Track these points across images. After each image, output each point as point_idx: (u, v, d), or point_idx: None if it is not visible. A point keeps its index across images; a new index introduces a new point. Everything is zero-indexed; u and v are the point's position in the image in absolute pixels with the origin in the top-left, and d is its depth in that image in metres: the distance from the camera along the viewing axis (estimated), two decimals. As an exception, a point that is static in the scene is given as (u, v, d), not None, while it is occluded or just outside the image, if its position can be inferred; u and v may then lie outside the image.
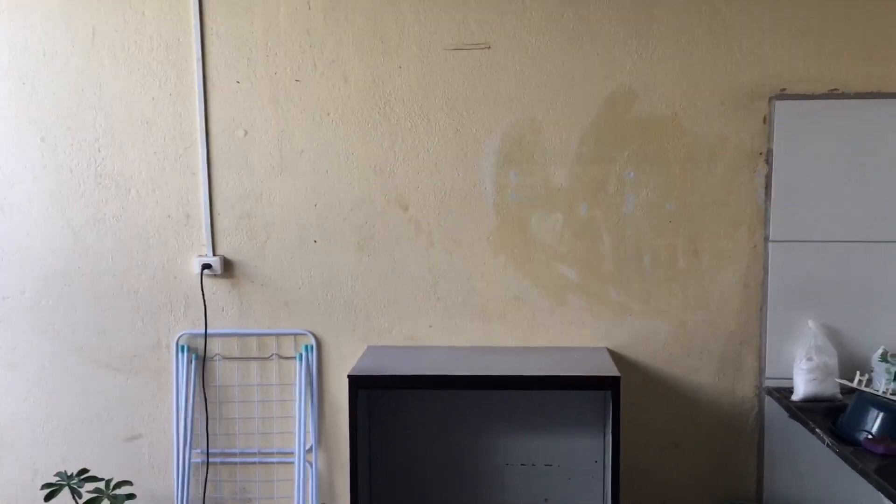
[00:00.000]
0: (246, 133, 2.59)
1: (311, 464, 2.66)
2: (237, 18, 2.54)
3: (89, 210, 2.62)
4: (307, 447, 2.65)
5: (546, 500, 2.61)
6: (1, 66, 2.59)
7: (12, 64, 2.59)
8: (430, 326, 2.63)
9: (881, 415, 2.14)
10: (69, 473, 2.55)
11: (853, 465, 1.97)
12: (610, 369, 2.32)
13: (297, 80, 2.56)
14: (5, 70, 2.59)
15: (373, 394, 2.60)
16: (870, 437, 2.08)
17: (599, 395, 2.53)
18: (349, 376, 2.32)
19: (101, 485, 2.54)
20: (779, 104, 2.47)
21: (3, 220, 2.63)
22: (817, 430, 2.18)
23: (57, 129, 2.60)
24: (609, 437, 2.31)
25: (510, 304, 2.61)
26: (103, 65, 2.58)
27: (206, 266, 2.61)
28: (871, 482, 1.89)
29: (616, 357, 2.56)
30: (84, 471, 2.58)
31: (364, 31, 2.54)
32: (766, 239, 2.52)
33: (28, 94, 2.59)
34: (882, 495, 1.84)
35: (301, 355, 2.64)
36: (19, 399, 2.70)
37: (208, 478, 2.67)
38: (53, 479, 2.54)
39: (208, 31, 2.56)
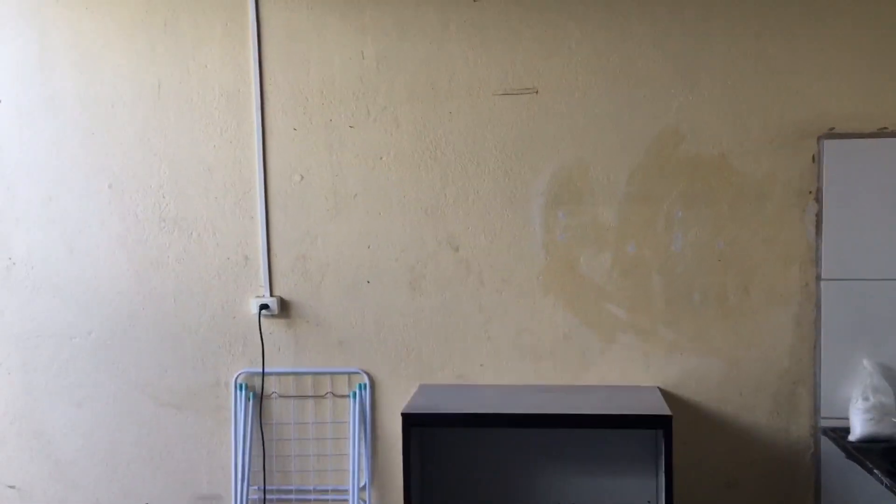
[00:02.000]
0: (302, 178, 2.67)
1: (364, 501, 2.69)
2: (294, 68, 2.65)
3: (153, 253, 2.72)
4: (361, 484, 2.69)
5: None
6: (72, 117, 2.73)
7: (83, 115, 2.73)
8: (482, 365, 2.66)
9: (941, 455, 2.10)
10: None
11: (913, 507, 1.95)
12: (661, 408, 2.32)
13: (350, 127, 2.64)
14: (76, 121, 2.73)
15: (425, 431, 2.62)
16: (930, 478, 2.05)
17: (651, 434, 2.52)
18: (402, 414, 2.35)
19: None
20: (827, 143, 2.47)
21: (71, 262, 2.75)
22: (875, 470, 2.14)
23: (123, 176, 2.72)
24: (662, 478, 2.30)
25: (560, 343, 2.62)
26: (168, 115, 2.70)
27: (264, 306, 2.68)
28: (931, 525, 1.86)
29: (667, 396, 2.55)
30: None
31: (415, 78, 2.62)
32: (818, 277, 2.51)
33: (97, 143, 2.72)
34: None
35: (355, 393, 2.69)
36: (85, 436, 2.80)
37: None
38: (116, 515, 2.62)
39: (267, 81, 2.66)
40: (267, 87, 2.66)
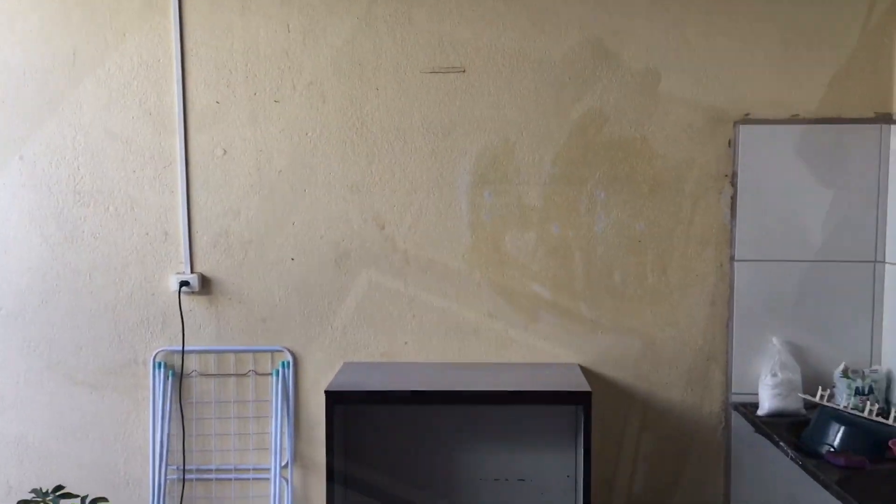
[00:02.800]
0: (225, 152, 2.62)
1: (286, 480, 2.67)
2: (217, 40, 2.58)
3: (67, 227, 2.63)
4: (283, 463, 2.67)
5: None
6: (-20, 85, 2.64)
7: (-8, 82, 2.64)
8: (406, 343, 2.67)
9: (842, 429, 2.21)
10: (45, 490, 2.55)
11: (815, 478, 2.03)
12: (581, 384, 2.38)
13: (276, 101, 2.60)
14: (-16, 88, 2.64)
15: (349, 409, 2.62)
16: (832, 450, 2.15)
17: (571, 410, 2.58)
18: (326, 392, 2.35)
19: (77, 501, 2.53)
20: (743, 128, 2.56)
21: (-21, 236, 2.67)
22: (781, 443, 2.24)
23: (36, 147, 2.61)
24: (581, 452, 2.36)
25: (484, 321, 2.65)
26: (84, 84, 2.60)
27: (184, 283, 2.63)
28: (832, 493, 1.95)
29: (587, 373, 2.61)
30: (59, 487, 2.57)
31: (342, 54, 2.59)
32: (732, 258, 2.60)
33: (7, 112, 2.61)
34: (842, 506, 1.91)
35: (277, 371, 2.66)
36: (-6, 416, 2.73)
37: (184, 494, 2.68)
38: (29, 496, 2.53)
39: (189, 52, 2.59)
40: (188, 59, 2.59)
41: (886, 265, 2.55)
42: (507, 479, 2.65)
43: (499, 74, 2.58)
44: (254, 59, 2.59)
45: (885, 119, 2.55)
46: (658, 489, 2.69)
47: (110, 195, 2.62)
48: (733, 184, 2.58)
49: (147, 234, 2.65)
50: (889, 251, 2.55)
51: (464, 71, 2.59)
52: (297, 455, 2.71)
